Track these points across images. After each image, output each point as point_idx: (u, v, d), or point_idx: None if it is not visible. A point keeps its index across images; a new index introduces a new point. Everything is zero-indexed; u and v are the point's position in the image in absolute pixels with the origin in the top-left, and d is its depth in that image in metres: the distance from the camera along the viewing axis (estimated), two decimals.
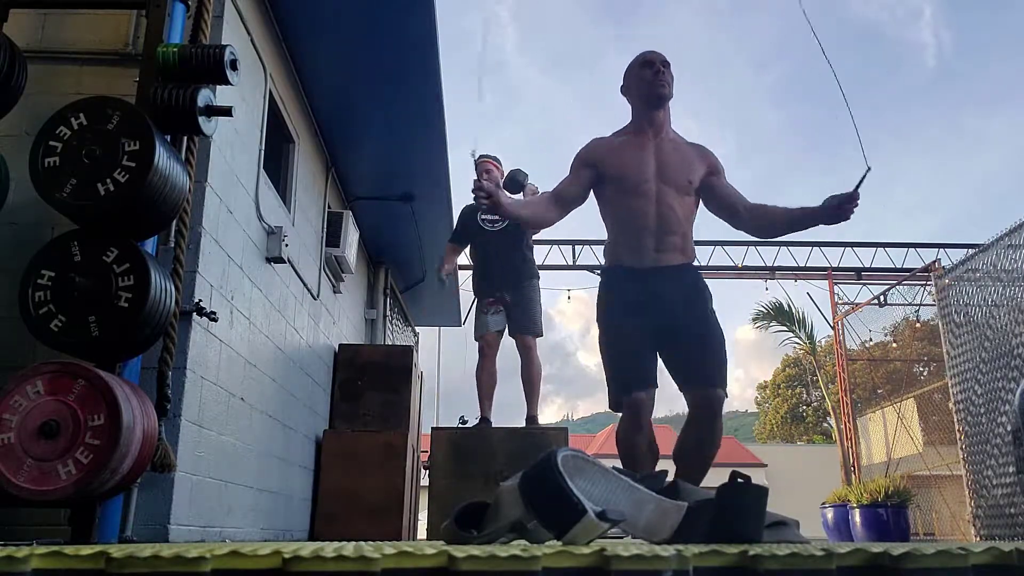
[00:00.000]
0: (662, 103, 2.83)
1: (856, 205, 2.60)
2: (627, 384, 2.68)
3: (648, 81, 2.81)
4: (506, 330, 4.88)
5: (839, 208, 2.60)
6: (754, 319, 14.42)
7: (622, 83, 2.94)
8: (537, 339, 4.87)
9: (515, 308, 4.80)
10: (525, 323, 4.80)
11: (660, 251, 2.74)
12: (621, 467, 2.59)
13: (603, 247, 2.93)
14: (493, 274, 4.84)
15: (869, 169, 2.54)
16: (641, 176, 2.76)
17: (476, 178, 2.77)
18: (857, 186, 2.57)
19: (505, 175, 4.80)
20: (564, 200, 2.86)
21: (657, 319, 2.68)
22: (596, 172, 2.85)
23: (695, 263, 2.91)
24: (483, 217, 4.86)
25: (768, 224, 2.84)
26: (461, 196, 5.47)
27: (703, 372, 2.66)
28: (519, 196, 4.68)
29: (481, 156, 5.01)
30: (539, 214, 2.90)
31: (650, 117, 2.83)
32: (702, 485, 2.45)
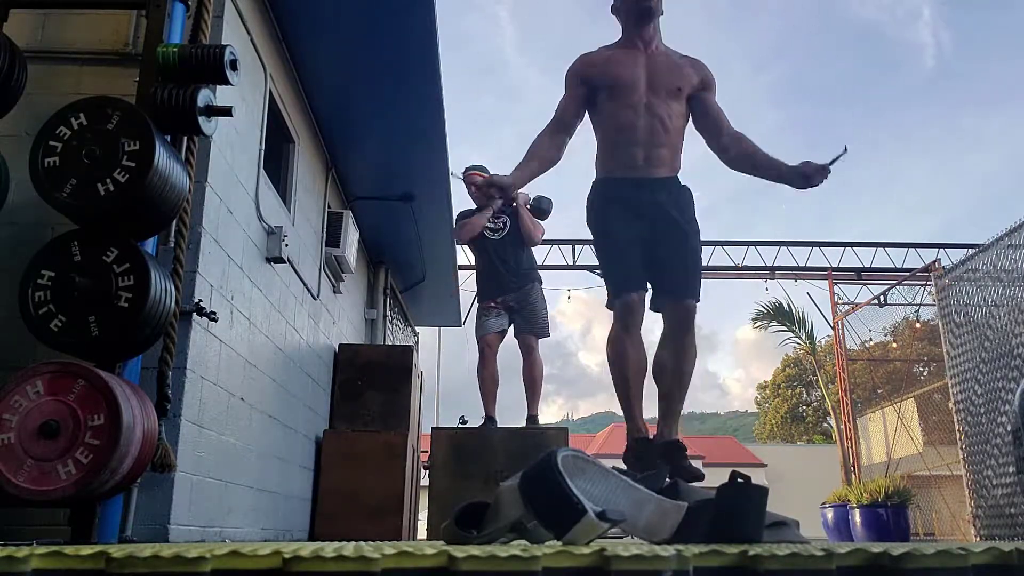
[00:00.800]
0: (651, 16, 2.86)
1: (825, 178, 2.74)
2: (618, 286, 2.79)
3: None
4: (508, 331, 4.92)
5: (809, 175, 2.73)
6: (754, 319, 14.41)
7: (612, 2, 2.97)
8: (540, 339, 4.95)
9: (521, 312, 4.86)
10: (532, 326, 4.87)
11: (649, 163, 2.81)
12: (611, 373, 2.76)
13: (594, 159, 2.97)
14: (498, 280, 4.90)
15: (845, 150, 2.74)
16: (631, 87, 2.81)
17: (475, 187, 2.87)
18: (831, 162, 2.73)
19: (532, 199, 5.01)
20: (564, 125, 2.92)
21: (642, 227, 2.77)
22: (590, 86, 2.89)
23: (680, 176, 2.94)
24: (485, 226, 4.95)
25: (742, 156, 2.91)
26: (461, 196, 5.48)
27: (677, 283, 2.77)
28: (544, 222, 5.06)
29: (468, 168, 5.17)
30: (545, 158, 2.92)
31: (640, 32, 2.86)
32: (702, 485, 2.46)
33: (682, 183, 2.91)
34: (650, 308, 2.82)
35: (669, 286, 2.79)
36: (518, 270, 4.94)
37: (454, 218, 5.53)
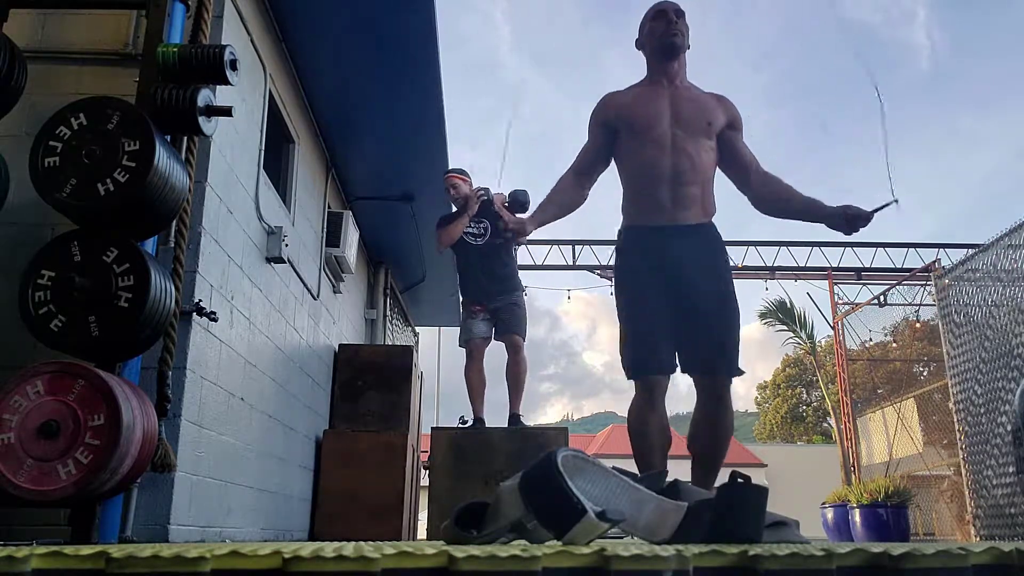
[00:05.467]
0: (676, 53, 2.72)
1: (867, 225, 2.59)
2: (643, 364, 2.60)
3: (660, 32, 2.72)
4: (492, 336, 4.92)
5: (850, 221, 2.58)
6: (761, 315, 14.47)
7: (637, 37, 2.85)
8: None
9: (502, 314, 4.83)
10: (512, 326, 4.83)
11: (676, 205, 2.62)
12: (633, 450, 2.58)
13: (620, 207, 2.81)
14: (479, 286, 4.88)
15: (896, 202, 2.57)
16: (655, 123, 2.66)
17: (501, 219, 2.86)
18: (876, 210, 2.58)
19: (508, 195, 4.86)
20: (586, 171, 2.80)
21: (672, 286, 2.58)
22: (611, 128, 2.76)
23: (713, 221, 2.74)
24: (467, 231, 4.91)
25: (775, 200, 2.74)
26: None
27: (708, 356, 2.57)
28: (524, 215, 4.81)
29: (448, 172, 5.10)
30: (566, 203, 2.80)
31: (664, 68, 2.74)
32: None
33: (716, 230, 2.71)
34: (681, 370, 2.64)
35: (700, 359, 2.57)
36: (500, 277, 4.90)
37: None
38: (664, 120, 2.66)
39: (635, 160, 2.70)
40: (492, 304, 4.82)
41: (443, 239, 4.93)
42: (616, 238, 2.82)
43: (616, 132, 2.75)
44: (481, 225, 4.93)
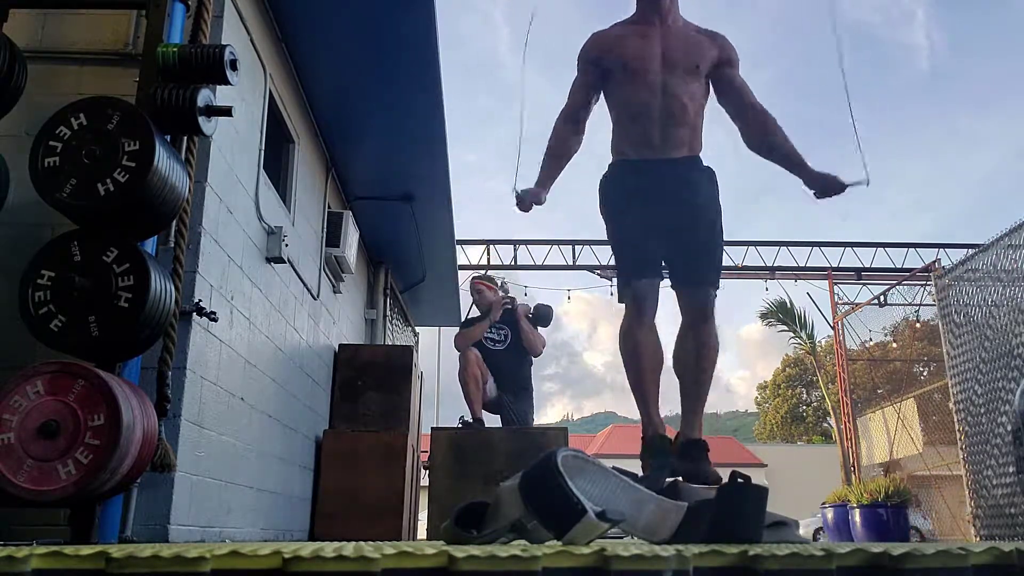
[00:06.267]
0: None
1: (838, 193, 2.63)
2: (628, 274, 2.64)
3: None
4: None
5: (826, 187, 2.62)
6: (762, 316, 14.50)
7: None
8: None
9: (509, 412, 5.05)
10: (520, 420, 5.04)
11: (665, 143, 2.64)
12: (625, 369, 2.61)
13: (609, 142, 2.82)
14: (497, 388, 5.07)
15: (868, 183, 2.60)
16: (644, 64, 2.65)
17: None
18: (849, 184, 2.63)
19: (533, 309, 5.20)
20: (578, 108, 2.79)
21: (657, 211, 2.61)
22: (600, 67, 2.74)
23: (702, 158, 2.77)
24: (487, 336, 5.14)
25: (767, 141, 2.74)
26: (461, 195, 5.55)
27: (692, 268, 2.63)
28: (543, 330, 5.23)
29: (475, 277, 5.50)
30: (567, 150, 2.81)
31: (655, 4, 2.70)
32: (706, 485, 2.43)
33: (704, 164, 2.74)
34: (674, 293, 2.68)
35: (684, 272, 2.63)
36: (513, 385, 5.10)
37: (455, 218, 5.61)
38: (655, 62, 2.66)
39: (625, 101, 2.72)
40: (503, 407, 5.05)
41: (462, 341, 5.16)
42: (604, 172, 2.83)
43: (608, 71, 2.74)
44: (502, 332, 5.16)
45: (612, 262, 2.85)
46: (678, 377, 2.64)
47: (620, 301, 2.69)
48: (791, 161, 2.70)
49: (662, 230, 2.63)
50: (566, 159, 2.82)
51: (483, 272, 5.51)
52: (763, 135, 2.75)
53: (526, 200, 2.71)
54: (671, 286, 2.67)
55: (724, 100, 2.78)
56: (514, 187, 2.76)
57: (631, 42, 2.71)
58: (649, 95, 2.64)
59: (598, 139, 2.96)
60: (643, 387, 2.59)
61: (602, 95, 2.84)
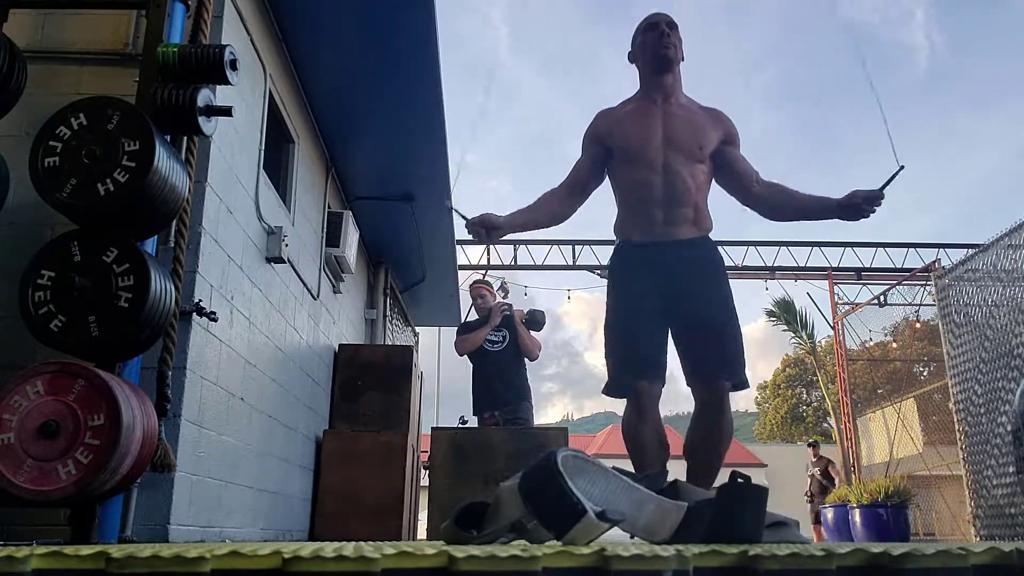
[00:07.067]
0: (668, 66, 2.67)
1: (879, 205, 2.49)
2: (628, 372, 2.53)
3: (652, 45, 2.68)
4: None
5: (860, 206, 2.50)
6: (769, 313, 14.54)
7: (629, 51, 2.81)
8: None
9: (512, 423, 5.08)
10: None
11: (669, 224, 2.59)
12: (631, 462, 2.50)
13: (612, 226, 2.77)
14: (492, 393, 5.13)
15: (902, 168, 2.43)
16: (646, 144, 2.61)
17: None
18: (884, 185, 2.47)
19: (527, 313, 5.33)
20: (579, 186, 2.74)
21: (666, 298, 2.53)
22: (604, 147, 2.72)
23: (711, 235, 2.69)
24: (487, 338, 5.21)
25: (781, 205, 2.68)
26: (461, 196, 5.60)
27: (707, 362, 2.51)
28: (537, 334, 5.36)
29: (476, 281, 5.66)
30: (551, 213, 2.72)
31: (657, 82, 2.69)
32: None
33: (712, 242, 2.68)
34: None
35: (696, 365, 2.52)
36: (513, 386, 5.16)
37: (455, 219, 5.66)
38: (656, 142, 2.61)
39: (628, 180, 2.67)
40: (501, 413, 5.08)
41: (464, 346, 5.22)
42: (610, 256, 2.80)
43: (610, 150, 2.72)
44: (500, 333, 5.24)
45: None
46: (687, 460, 2.54)
47: (608, 394, 2.58)
48: (821, 209, 2.62)
49: (672, 319, 2.55)
50: (546, 220, 2.73)
51: (482, 276, 5.58)
52: (780, 208, 2.69)
53: (486, 221, 2.57)
54: (686, 383, 2.56)
55: (726, 180, 2.72)
56: (450, 207, 2.68)
57: (634, 122, 2.68)
58: (651, 174, 2.59)
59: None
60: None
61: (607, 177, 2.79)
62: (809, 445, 10.71)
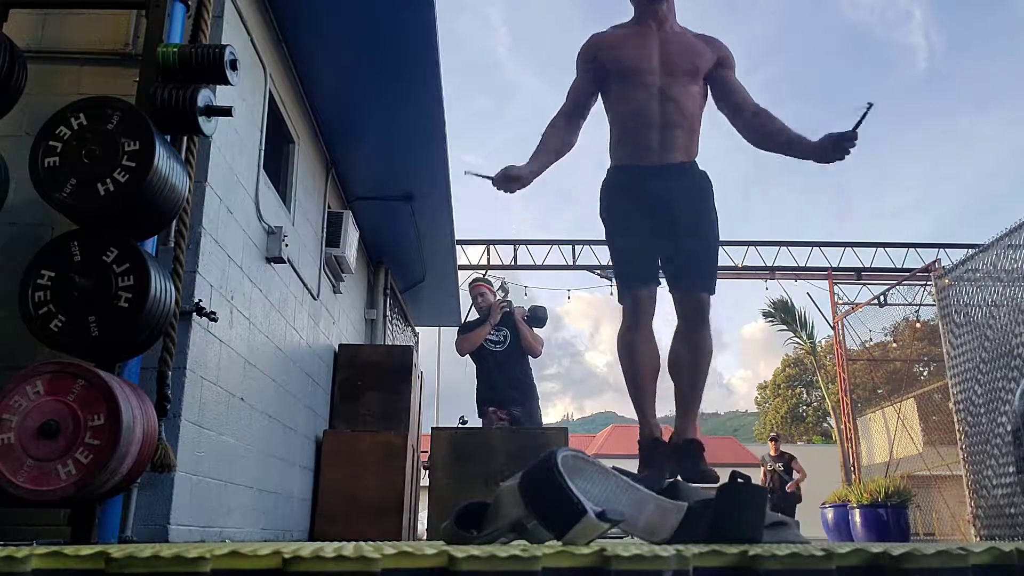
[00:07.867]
0: None
1: (853, 144, 2.56)
2: (626, 280, 2.70)
3: None
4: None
5: (836, 145, 2.57)
6: (765, 314, 14.54)
7: None
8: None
9: (520, 421, 5.07)
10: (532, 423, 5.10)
11: (663, 147, 2.68)
12: (624, 377, 2.66)
13: (607, 146, 2.85)
14: (499, 392, 5.11)
15: (871, 105, 2.47)
16: (643, 67, 2.68)
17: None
18: (856, 124, 2.53)
19: (528, 310, 5.31)
20: (576, 108, 2.81)
21: (655, 217, 2.67)
22: (599, 68, 2.77)
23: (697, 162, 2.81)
24: (487, 338, 5.19)
25: (768, 134, 2.76)
26: (461, 196, 5.60)
27: (688, 274, 2.67)
28: (538, 331, 5.32)
29: (475, 280, 5.62)
30: (559, 146, 2.82)
31: (652, 10, 2.74)
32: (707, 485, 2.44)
33: (699, 168, 2.78)
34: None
35: (680, 278, 2.69)
36: (519, 384, 5.15)
37: (454, 218, 5.66)
38: (652, 65, 2.69)
39: (623, 104, 2.75)
40: (510, 411, 5.06)
41: (464, 346, 5.20)
42: (604, 178, 2.86)
43: (606, 73, 2.77)
44: (501, 333, 5.22)
45: (610, 263, 2.88)
46: (673, 380, 2.70)
47: (620, 302, 2.74)
48: (796, 146, 2.71)
49: (659, 236, 2.68)
50: (557, 155, 2.84)
51: (482, 274, 5.57)
52: (762, 128, 2.77)
53: (510, 174, 2.70)
54: (668, 290, 2.72)
55: (722, 103, 2.81)
56: (471, 172, 2.83)
57: (629, 44, 2.73)
58: (647, 98, 2.67)
59: (598, 136, 2.98)
60: (640, 391, 2.65)
61: (600, 99, 2.86)
62: (771, 439, 10.55)
